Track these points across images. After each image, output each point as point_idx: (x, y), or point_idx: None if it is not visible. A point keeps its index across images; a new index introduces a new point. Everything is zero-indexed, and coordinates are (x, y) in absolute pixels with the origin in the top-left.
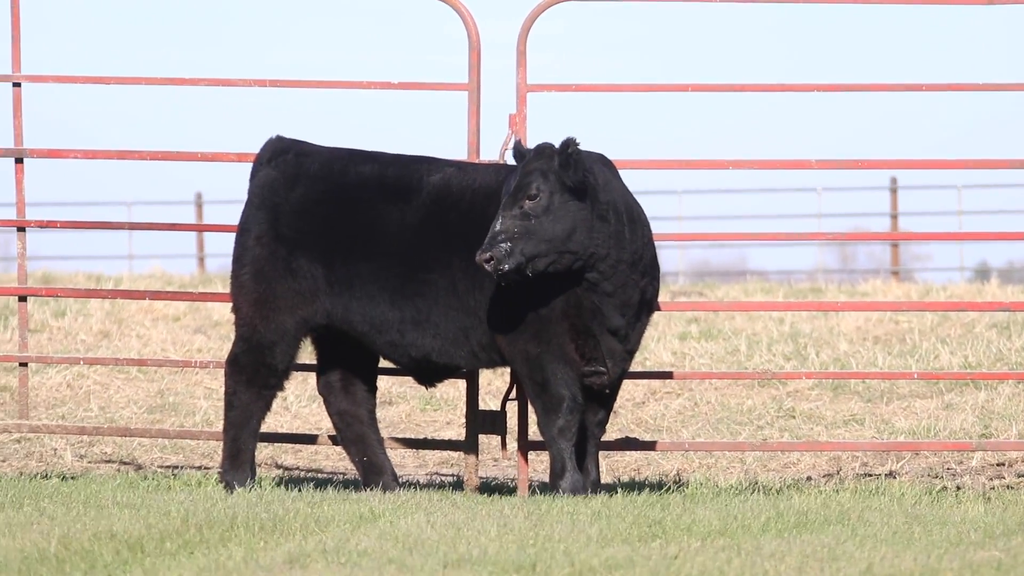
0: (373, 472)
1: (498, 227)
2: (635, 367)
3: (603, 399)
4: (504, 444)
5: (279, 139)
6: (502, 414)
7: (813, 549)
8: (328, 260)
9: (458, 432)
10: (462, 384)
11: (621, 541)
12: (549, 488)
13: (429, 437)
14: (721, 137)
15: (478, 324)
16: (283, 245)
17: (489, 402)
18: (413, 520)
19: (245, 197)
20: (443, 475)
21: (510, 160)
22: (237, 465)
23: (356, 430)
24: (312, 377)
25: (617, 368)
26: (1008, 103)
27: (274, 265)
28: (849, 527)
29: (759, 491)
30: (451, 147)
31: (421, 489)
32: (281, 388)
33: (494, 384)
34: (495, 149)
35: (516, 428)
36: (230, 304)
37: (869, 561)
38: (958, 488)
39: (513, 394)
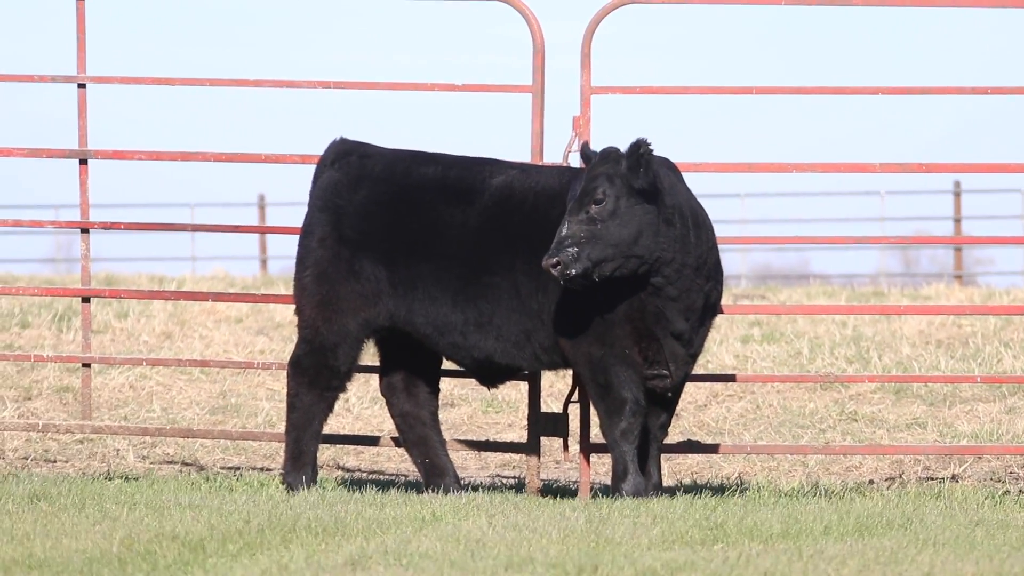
0: (435, 474)
1: (564, 232)
2: (697, 369)
3: (666, 402)
4: (566, 446)
5: (343, 141)
6: (564, 416)
7: (875, 553)
8: (391, 262)
9: (520, 434)
10: (524, 386)
11: (682, 544)
12: (611, 490)
13: (491, 439)
14: (785, 140)
15: (540, 327)
16: (346, 247)
17: (551, 404)
18: (474, 522)
19: (308, 199)
20: (505, 477)
21: (574, 162)
22: (299, 467)
23: (418, 432)
24: (374, 379)
25: (680, 372)
26: None
27: (337, 267)
28: (911, 531)
29: (821, 494)
30: (515, 149)
31: (483, 491)
32: (343, 390)
33: (556, 386)
34: (559, 151)
35: (578, 430)
36: (293, 306)
37: (931, 565)
38: (1021, 492)
39: (575, 396)
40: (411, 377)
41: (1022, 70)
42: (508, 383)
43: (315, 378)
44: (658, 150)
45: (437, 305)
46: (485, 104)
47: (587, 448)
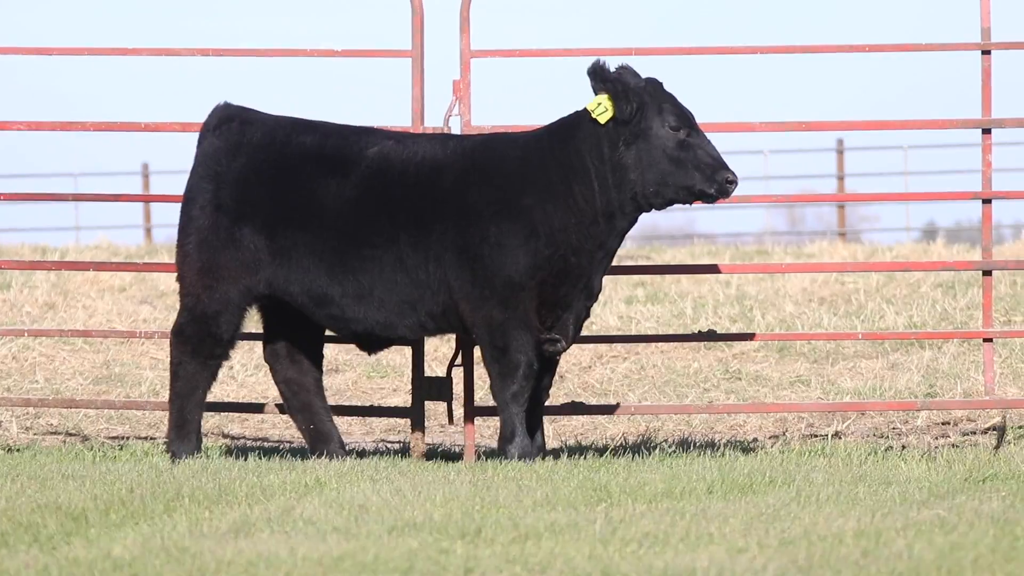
0: (320, 440)
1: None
2: (582, 331)
3: (548, 364)
4: (450, 410)
5: (226, 106)
6: (448, 380)
7: (758, 510)
8: (270, 230)
9: (405, 399)
10: (408, 351)
11: (566, 506)
12: (498, 453)
13: (376, 404)
14: None
15: (430, 296)
16: (226, 215)
17: (435, 368)
18: (359, 488)
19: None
20: (390, 442)
21: (455, 127)
22: (183, 435)
23: (302, 398)
24: (258, 346)
25: (573, 336)
26: (953, 63)
27: (217, 234)
28: (794, 488)
29: (705, 454)
30: (396, 114)
31: (367, 457)
32: (226, 358)
33: (440, 351)
34: (439, 116)
35: (462, 394)
36: (176, 274)
37: (813, 521)
38: (903, 447)
39: (458, 360)
40: (294, 344)
41: (902, 27)
42: (391, 348)
43: (198, 346)
44: (541, 113)
45: (312, 276)
46: (367, 69)
47: (471, 412)
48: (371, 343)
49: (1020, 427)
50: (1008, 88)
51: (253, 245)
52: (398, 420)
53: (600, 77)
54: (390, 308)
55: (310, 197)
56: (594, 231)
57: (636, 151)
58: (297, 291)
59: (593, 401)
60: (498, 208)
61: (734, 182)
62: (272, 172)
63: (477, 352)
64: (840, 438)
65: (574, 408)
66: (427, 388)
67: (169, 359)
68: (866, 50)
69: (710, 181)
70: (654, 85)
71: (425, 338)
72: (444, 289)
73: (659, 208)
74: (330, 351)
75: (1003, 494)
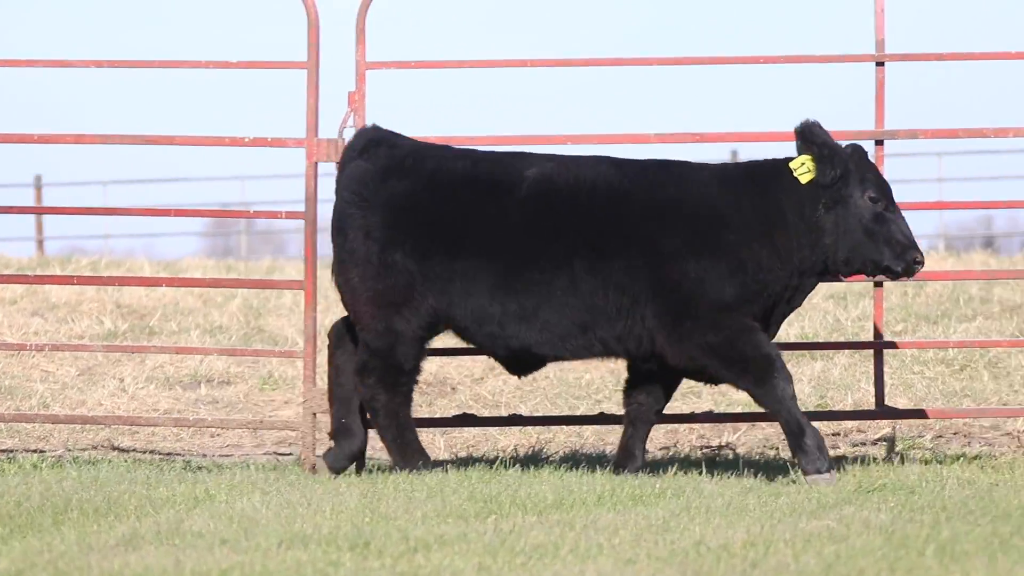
0: (344, 437)
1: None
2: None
3: (670, 385)
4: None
5: (375, 129)
6: None
7: (648, 522)
8: (424, 256)
9: (296, 412)
10: (299, 363)
11: (456, 518)
12: (793, 451)
13: (267, 417)
14: (560, 112)
15: (604, 321)
16: (376, 242)
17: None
18: (248, 500)
19: (335, 187)
20: (282, 455)
21: (348, 138)
22: (409, 455)
23: (347, 391)
24: (150, 358)
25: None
26: (848, 74)
27: (382, 262)
28: (684, 500)
29: (596, 465)
30: (291, 125)
31: (258, 469)
32: (414, 383)
33: None
34: (334, 127)
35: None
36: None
37: (703, 532)
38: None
39: None
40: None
41: (793, 39)
42: (278, 361)
43: (382, 378)
44: (435, 125)
45: (474, 299)
46: (263, 80)
47: (362, 423)
48: (524, 363)
49: (909, 438)
50: (901, 100)
51: (407, 270)
52: (290, 432)
53: (807, 138)
54: (554, 330)
55: (467, 222)
56: (791, 283)
57: (835, 216)
58: (459, 314)
59: (485, 413)
60: (697, 245)
61: (921, 263)
62: (425, 197)
63: None
64: (731, 449)
65: (465, 420)
66: (318, 400)
67: (362, 398)
68: (760, 61)
69: (899, 260)
70: (859, 153)
71: (316, 351)
72: (624, 317)
73: (844, 275)
74: (221, 363)
75: (892, 505)
